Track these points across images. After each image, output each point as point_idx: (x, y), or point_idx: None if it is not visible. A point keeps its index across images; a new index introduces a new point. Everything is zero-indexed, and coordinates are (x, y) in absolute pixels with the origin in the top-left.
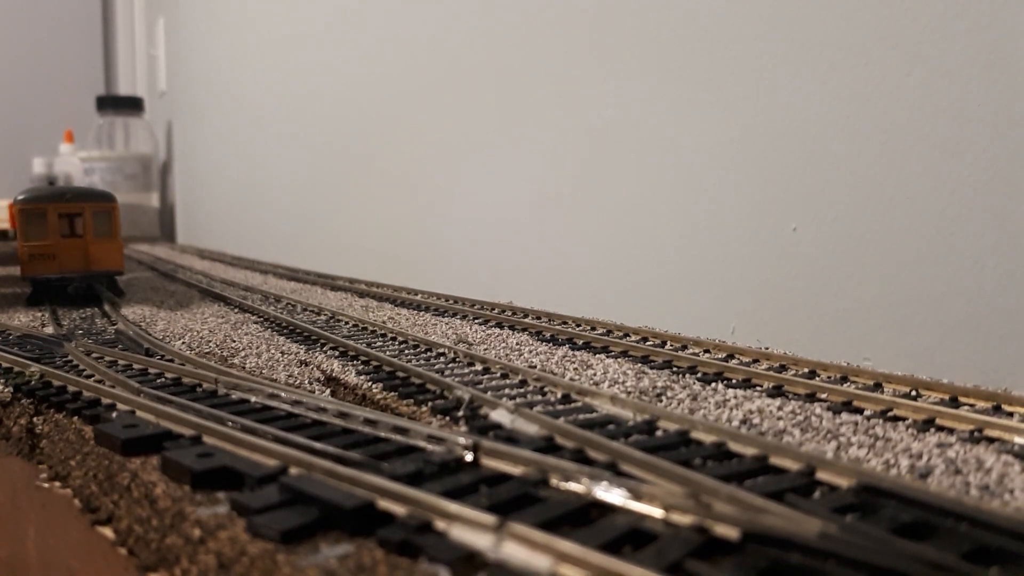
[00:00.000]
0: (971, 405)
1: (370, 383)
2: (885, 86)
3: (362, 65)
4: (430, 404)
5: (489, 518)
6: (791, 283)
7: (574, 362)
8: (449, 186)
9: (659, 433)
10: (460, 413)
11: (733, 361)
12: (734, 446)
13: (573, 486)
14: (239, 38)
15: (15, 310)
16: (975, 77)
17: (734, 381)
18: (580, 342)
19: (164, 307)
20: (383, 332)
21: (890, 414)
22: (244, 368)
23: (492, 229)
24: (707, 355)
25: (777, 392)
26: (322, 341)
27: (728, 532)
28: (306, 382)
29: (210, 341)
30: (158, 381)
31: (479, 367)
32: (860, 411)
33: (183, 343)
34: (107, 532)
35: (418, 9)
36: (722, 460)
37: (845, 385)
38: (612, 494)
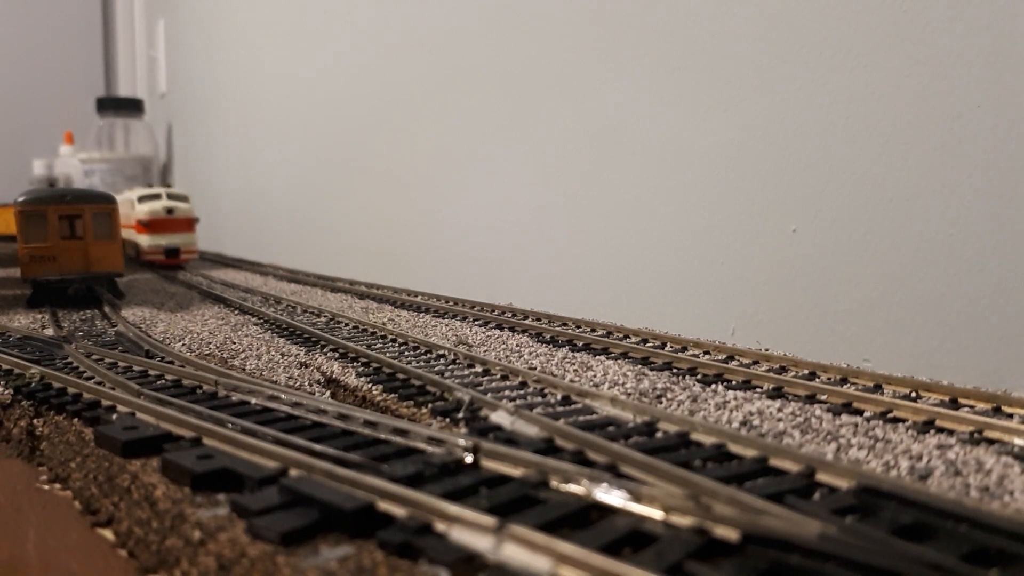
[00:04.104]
0: (971, 407)
1: (370, 385)
2: (885, 87)
3: (363, 67)
4: (430, 406)
5: (489, 520)
6: (791, 284)
7: (574, 364)
8: (449, 187)
9: (659, 435)
10: (460, 415)
11: (733, 363)
12: (734, 448)
13: (573, 488)
14: (239, 40)
15: (15, 312)
16: (975, 78)
17: (734, 383)
18: (580, 344)
19: (164, 309)
20: (383, 334)
21: (890, 416)
22: (244, 370)
23: (492, 231)
24: (707, 357)
25: (777, 394)
26: (322, 343)
27: (728, 534)
28: (306, 384)
29: (210, 343)
30: (158, 383)
31: (479, 369)
32: (860, 413)
33: (183, 345)
34: (107, 534)
35: (419, 12)
36: (722, 462)
37: (845, 387)
38: (612, 496)
